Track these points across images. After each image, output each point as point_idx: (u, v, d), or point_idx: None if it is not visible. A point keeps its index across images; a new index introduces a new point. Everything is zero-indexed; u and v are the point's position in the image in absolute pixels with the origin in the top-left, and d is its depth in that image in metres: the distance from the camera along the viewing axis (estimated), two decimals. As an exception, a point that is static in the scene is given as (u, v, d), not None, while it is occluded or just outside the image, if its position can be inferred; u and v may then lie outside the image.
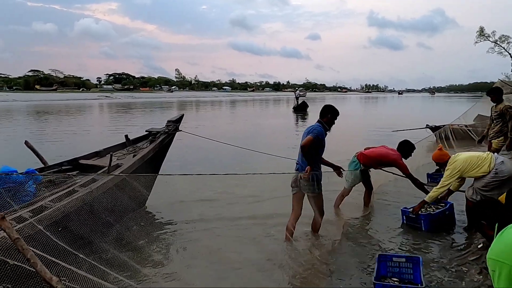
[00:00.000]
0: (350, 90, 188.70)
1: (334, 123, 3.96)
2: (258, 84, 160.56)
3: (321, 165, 4.01)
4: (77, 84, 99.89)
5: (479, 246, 3.60)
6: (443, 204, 4.39)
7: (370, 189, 5.11)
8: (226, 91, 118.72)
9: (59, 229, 2.96)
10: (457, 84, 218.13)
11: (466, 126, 10.81)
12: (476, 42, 26.33)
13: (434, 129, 10.57)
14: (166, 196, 5.37)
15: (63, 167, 4.52)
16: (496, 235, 1.64)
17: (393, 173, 6.01)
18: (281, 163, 6.47)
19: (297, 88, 57.14)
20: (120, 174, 3.80)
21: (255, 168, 7.59)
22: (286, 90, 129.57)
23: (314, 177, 3.74)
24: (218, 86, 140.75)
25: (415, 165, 7.23)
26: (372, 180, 5.28)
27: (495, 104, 5.98)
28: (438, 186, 4.05)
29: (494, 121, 6.02)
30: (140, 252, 3.63)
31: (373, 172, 5.28)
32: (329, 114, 3.91)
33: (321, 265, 3.49)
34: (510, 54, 24.44)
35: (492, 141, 6.06)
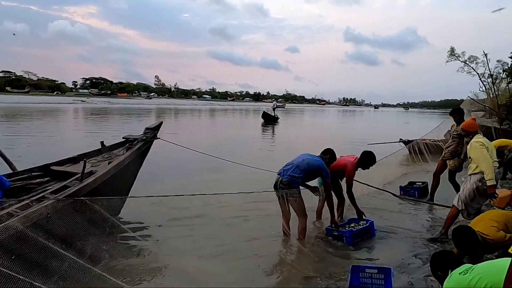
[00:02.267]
0: (329, 102, 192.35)
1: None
2: (239, 93, 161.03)
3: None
4: (51, 87, 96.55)
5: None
6: (365, 222, 4.56)
7: (342, 201, 5.15)
8: (206, 100, 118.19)
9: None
10: (430, 101, 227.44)
11: (437, 140, 11.26)
12: (447, 61, 27.49)
13: (407, 142, 10.95)
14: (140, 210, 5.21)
15: (33, 174, 4.35)
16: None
17: (369, 185, 6.18)
18: (255, 174, 6.55)
19: (274, 99, 57.70)
20: (82, 198, 3.50)
21: (229, 177, 7.63)
22: (266, 100, 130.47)
23: (293, 185, 4.14)
24: (198, 94, 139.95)
25: (389, 177, 7.47)
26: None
27: (456, 123, 6.00)
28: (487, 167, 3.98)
29: (451, 139, 6.08)
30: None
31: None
32: (329, 155, 4.58)
33: (296, 273, 3.53)
34: (478, 74, 25.74)
35: (448, 162, 6.09)
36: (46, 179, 4.25)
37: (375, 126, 31.92)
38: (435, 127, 11.71)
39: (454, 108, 6.26)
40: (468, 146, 4.33)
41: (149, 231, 4.60)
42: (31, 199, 3.32)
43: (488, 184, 3.94)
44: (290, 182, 4.13)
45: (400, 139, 11.44)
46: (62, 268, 2.97)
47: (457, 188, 5.99)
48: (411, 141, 10.96)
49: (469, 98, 13.00)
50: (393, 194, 6.33)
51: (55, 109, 36.48)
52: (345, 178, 4.90)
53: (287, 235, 4.33)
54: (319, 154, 4.55)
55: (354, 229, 4.38)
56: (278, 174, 4.29)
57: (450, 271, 2.05)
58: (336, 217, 4.62)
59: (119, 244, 3.84)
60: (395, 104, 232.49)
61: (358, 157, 4.87)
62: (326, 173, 4.30)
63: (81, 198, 3.34)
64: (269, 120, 28.23)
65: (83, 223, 3.30)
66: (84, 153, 4.92)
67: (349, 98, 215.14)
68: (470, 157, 4.24)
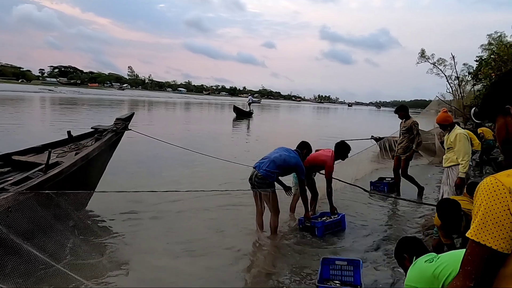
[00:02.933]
0: (304, 99, 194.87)
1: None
2: (214, 87, 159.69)
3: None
4: (16, 74, 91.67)
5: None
6: (336, 215, 4.69)
7: (315, 195, 5.22)
8: (181, 93, 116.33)
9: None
10: (400, 100, 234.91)
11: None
12: (417, 63, 28.56)
13: (378, 140, 11.27)
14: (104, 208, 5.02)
15: (-7, 163, 4.09)
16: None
17: (340, 180, 6.30)
18: (229, 166, 6.51)
19: (250, 94, 57.64)
20: (48, 191, 3.37)
21: (203, 171, 7.56)
22: (242, 95, 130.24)
23: (268, 180, 4.13)
24: (173, 87, 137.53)
25: (360, 173, 7.65)
26: (319, 186, 5.45)
27: (403, 120, 6.38)
28: (463, 159, 4.23)
29: (401, 136, 6.41)
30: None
31: (319, 179, 5.46)
32: (306, 150, 4.62)
33: (266, 267, 3.54)
34: (445, 76, 26.90)
35: (401, 156, 6.37)
36: (6, 169, 4.01)
37: (349, 123, 32.65)
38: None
39: (398, 106, 6.57)
40: (451, 137, 4.37)
41: (116, 226, 4.42)
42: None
43: (459, 176, 4.23)
44: (265, 176, 4.11)
45: (372, 136, 11.75)
46: (22, 265, 2.82)
47: (412, 181, 6.43)
48: (382, 138, 11.29)
49: (437, 98, 13.53)
50: (364, 190, 6.47)
51: (20, 98, 34.56)
52: (322, 173, 5.02)
53: (259, 230, 4.32)
54: (295, 148, 4.56)
55: (325, 221, 4.46)
56: (253, 168, 4.28)
57: (414, 258, 2.10)
58: (309, 211, 4.66)
59: (84, 240, 3.67)
60: (367, 102, 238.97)
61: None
62: (302, 170, 4.33)
63: (45, 191, 3.16)
64: (242, 115, 28.14)
65: (46, 217, 3.12)
66: (49, 143, 4.67)
67: (324, 96, 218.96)
68: (449, 148, 4.37)
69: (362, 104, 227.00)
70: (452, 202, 2.91)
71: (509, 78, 1.02)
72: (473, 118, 1.24)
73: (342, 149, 4.96)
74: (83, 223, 3.66)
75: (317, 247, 4.09)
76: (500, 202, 0.89)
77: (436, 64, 28.07)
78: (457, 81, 24.22)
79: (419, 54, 28.84)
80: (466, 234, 0.95)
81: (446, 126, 4.54)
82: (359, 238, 4.42)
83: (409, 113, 6.47)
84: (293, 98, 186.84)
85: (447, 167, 4.46)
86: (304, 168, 4.50)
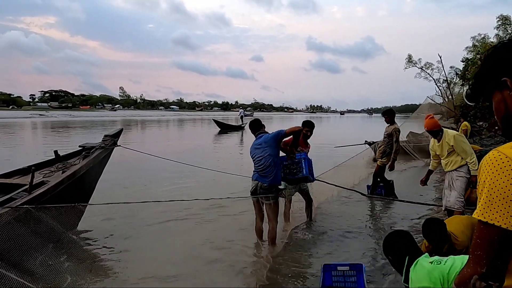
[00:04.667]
0: (296, 110, 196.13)
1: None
2: (207, 103, 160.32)
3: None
4: (6, 101, 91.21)
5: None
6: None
7: (310, 201, 5.08)
8: (174, 110, 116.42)
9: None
10: (391, 106, 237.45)
11: (400, 142, 11.68)
12: (405, 68, 29.05)
13: (371, 144, 11.25)
14: (100, 220, 4.91)
15: (-24, 187, 3.93)
16: (406, 266, 1.90)
17: (337, 186, 6.22)
18: (225, 178, 6.43)
19: (241, 108, 57.83)
20: (26, 206, 3.26)
21: (197, 183, 7.46)
22: (234, 109, 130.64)
23: (277, 185, 4.10)
24: (165, 105, 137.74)
25: (357, 177, 7.57)
26: (315, 192, 5.36)
27: (388, 125, 6.38)
28: (471, 157, 4.02)
29: (383, 140, 6.41)
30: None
31: (316, 185, 5.38)
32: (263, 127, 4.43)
33: (267, 274, 3.41)
34: (433, 79, 27.30)
35: (377, 161, 6.44)
36: (-11, 192, 3.84)
37: (342, 131, 32.75)
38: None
39: (385, 109, 6.57)
40: (450, 141, 4.09)
41: (110, 244, 4.28)
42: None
43: (474, 174, 4.01)
44: (271, 184, 4.02)
45: (365, 141, 11.73)
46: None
47: (385, 183, 6.42)
48: (375, 142, 11.28)
49: (428, 99, 13.63)
50: (361, 194, 6.41)
51: (10, 124, 34.19)
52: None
53: (259, 240, 4.20)
54: (258, 133, 4.30)
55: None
56: (255, 180, 4.10)
57: (407, 257, 1.99)
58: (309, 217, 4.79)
59: (73, 262, 3.51)
60: (359, 110, 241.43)
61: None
62: (279, 132, 4.13)
63: (24, 206, 3.01)
64: (227, 128, 27.98)
65: (30, 238, 2.97)
66: (35, 164, 4.52)
67: (316, 106, 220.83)
68: (450, 152, 4.12)
69: (354, 111, 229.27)
70: (437, 222, 2.89)
71: (502, 49, 0.94)
72: (466, 100, 1.16)
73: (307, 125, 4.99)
74: (71, 244, 3.50)
75: (316, 256, 3.96)
76: (505, 176, 0.80)
77: (424, 68, 28.62)
78: (446, 83, 24.61)
79: (406, 60, 29.43)
80: (473, 215, 0.86)
81: (438, 132, 4.22)
82: (358, 242, 4.31)
83: (395, 118, 6.47)
84: (286, 109, 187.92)
85: (451, 170, 4.18)
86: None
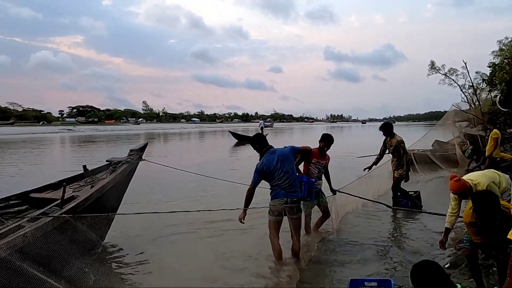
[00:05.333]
0: (317, 120, 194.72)
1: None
2: (227, 115, 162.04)
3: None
4: (37, 117, 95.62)
5: (446, 266, 3.62)
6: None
7: (326, 216, 5.00)
8: (195, 123, 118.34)
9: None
10: (415, 113, 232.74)
11: (425, 150, 11.38)
12: (428, 75, 28.38)
13: (396, 154, 11.00)
14: (124, 234, 5.03)
15: (11, 202, 4.13)
16: None
17: (361, 197, 6.09)
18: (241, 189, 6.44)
19: (261, 119, 57.86)
20: (64, 215, 3.40)
21: (218, 195, 7.50)
22: (254, 121, 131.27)
23: (300, 201, 4.10)
24: (186, 117, 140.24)
25: (382, 188, 7.38)
26: (340, 205, 5.29)
27: (388, 138, 6.39)
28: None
29: (392, 155, 6.42)
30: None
31: (340, 196, 5.31)
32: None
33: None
34: (459, 85, 26.50)
35: (394, 173, 6.40)
36: (24, 207, 4.04)
37: (364, 140, 32.17)
38: (421, 137, 11.82)
39: (382, 124, 6.53)
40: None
41: (135, 255, 4.37)
42: (5, 228, 3.11)
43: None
44: (300, 198, 4.07)
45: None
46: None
47: (404, 194, 6.35)
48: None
49: (453, 107, 13.23)
50: (387, 206, 6.25)
51: (41, 139, 35.77)
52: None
53: (279, 260, 3.97)
54: (267, 148, 4.11)
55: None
56: (282, 198, 3.89)
57: None
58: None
59: (105, 273, 3.61)
60: (381, 118, 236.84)
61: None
62: (295, 147, 4.23)
63: (62, 215, 3.13)
64: (243, 140, 27.67)
65: (63, 252, 3.09)
66: (65, 179, 4.73)
67: (336, 115, 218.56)
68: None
69: (375, 120, 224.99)
70: (490, 193, 2.67)
71: None
72: (499, 107, 1.13)
73: (325, 140, 4.93)
74: (102, 254, 3.60)
75: (341, 269, 3.88)
76: None
77: (448, 75, 27.86)
78: (472, 89, 23.82)
79: (429, 66, 28.76)
80: (508, 236, 0.83)
81: (467, 192, 3.32)
82: (384, 256, 4.19)
83: (393, 130, 6.41)
84: (306, 119, 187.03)
85: None
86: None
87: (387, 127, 6.41)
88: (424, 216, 5.75)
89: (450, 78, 27.08)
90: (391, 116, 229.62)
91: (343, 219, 5.63)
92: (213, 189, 7.96)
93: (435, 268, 1.89)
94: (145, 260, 4.26)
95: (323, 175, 5.07)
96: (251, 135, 26.23)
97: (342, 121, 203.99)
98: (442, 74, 27.48)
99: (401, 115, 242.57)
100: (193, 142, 32.31)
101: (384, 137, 6.49)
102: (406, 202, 6.43)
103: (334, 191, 5.21)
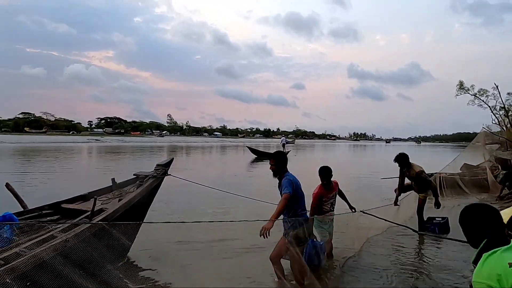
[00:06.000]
0: (339, 137, 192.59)
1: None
2: (249, 130, 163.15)
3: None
4: (68, 127, 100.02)
5: None
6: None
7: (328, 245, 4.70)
8: (217, 137, 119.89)
9: (28, 284, 2.72)
10: (442, 134, 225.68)
11: (454, 174, 10.96)
12: (457, 95, 27.66)
13: (422, 176, 10.67)
14: (149, 245, 5.13)
15: (44, 212, 4.32)
16: (481, 249, 1.59)
17: (386, 220, 5.93)
18: (261, 207, 6.43)
19: (283, 135, 57.77)
20: (100, 222, 3.58)
21: (239, 211, 7.51)
22: (276, 136, 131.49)
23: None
24: (209, 131, 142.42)
25: (408, 214, 7.16)
26: (364, 227, 5.19)
27: (404, 169, 6.15)
28: None
29: (415, 184, 6.20)
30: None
31: (366, 218, 5.21)
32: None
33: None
34: (489, 106, 25.61)
35: (419, 195, 6.23)
36: (56, 217, 4.21)
37: (388, 160, 31.49)
38: (451, 161, 11.41)
39: (396, 156, 6.17)
40: None
41: (161, 270, 4.43)
42: (38, 238, 3.26)
43: None
44: None
45: (415, 173, 11.16)
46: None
47: (421, 219, 6.18)
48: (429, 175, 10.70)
49: (484, 129, 12.77)
50: (413, 230, 6.05)
51: (70, 148, 37.29)
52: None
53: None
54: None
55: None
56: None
57: (486, 239, 1.60)
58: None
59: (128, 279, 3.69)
60: (406, 138, 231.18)
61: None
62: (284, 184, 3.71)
63: (97, 222, 3.25)
64: (262, 156, 27.64)
65: (92, 261, 3.20)
66: (95, 191, 4.90)
67: (359, 133, 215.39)
68: None
69: (400, 140, 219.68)
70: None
71: None
72: None
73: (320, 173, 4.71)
74: (124, 271, 3.68)
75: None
76: None
77: (477, 95, 27.04)
78: (503, 111, 22.95)
79: (458, 86, 28.04)
80: None
81: None
82: (407, 282, 4.04)
83: (409, 160, 6.12)
84: (328, 137, 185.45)
85: None
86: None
87: (401, 159, 6.08)
88: (451, 244, 5.53)
89: (480, 99, 26.28)
90: (417, 136, 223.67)
91: (366, 242, 5.50)
92: (231, 204, 8.01)
93: (494, 214, 1.69)
94: (165, 269, 4.30)
95: (338, 198, 4.94)
96: (269, 152, 26.19)
97: (366, 139, 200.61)
98: (471, 95, 26.74)
99: (427, 135, 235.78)
100: (214, 156, 32.65)
101: (401, 168, 6.22)
102: (433, 228, 6.21)
103: (353, 209, 5.01)
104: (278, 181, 3.83)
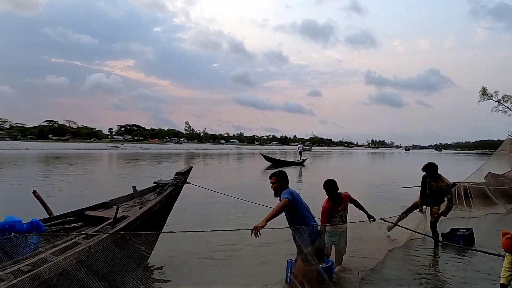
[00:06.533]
0: (357, 145, 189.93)
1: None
2: (266, 137, 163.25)
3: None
4: (89, 134, 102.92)
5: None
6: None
7: (338, 260, 4.67)
8: (234, 144, 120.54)
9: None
10: (464, 141, 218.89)
11: (478, 183, 10.60)
12: (479, 101, 26.97)
13: (446, 186, 10.36)
14: (168, 253, 5.19)
15: (68, 218, 4.45)
16: None
17: (408, 229, 5.78)
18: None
19: (300, 142, 57.44)
20: (121, 232, 3.63)
21: (256, 218, 7.49)
22: (293, 144, 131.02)
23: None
24: (225, 138, 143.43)
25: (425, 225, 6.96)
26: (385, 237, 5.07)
27: (432, 180, 5.95)
28: None
29: (434, 197, 5.99)
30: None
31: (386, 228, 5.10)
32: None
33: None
34: (515, 113, 24.81)
35: (433, 208, 6.04)
36: (79, 224, 4.32)
37: (407, 168, 30.75)
38: (477, 170, 11.04)
39: (425, 165, 6.02)
40: None
41: (176, 274, 4.47)
42: (63, 245, 3.36)
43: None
44: None
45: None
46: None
47: (436, 233, 5.96)
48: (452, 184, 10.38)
49: (509, 137, 12.32)
50: (435, 240, 5.86)
51: (91, 155, 38.33)
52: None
53: None
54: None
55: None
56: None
57: None
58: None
59: None
60: (427, 145, 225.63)
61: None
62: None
63: (119, 233, 3.33)
64: (277, 163, 27.84)
65: (113, 268, 3.27)
66: (116, 198, 5.02)
67: (377, 140, 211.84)
68: None
69: (420, 147, 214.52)
70: None
71: None
72: None
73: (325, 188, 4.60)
74: (144, 279, 3.74)
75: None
76: None
77: (502, 101, 26.26)
78: (530, 118, 22.16)
79: (480, 92, 27.38)
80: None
81: None
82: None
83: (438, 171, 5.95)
84: (345, 144, 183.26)
85: None
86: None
87: (430, 169, 5.90)
88: (476, 255, 5.33)
89: (504, 105, 25.52)
90: (438, 144, 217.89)
91: (387, 254, 5.38)
92: (247, 211, 8.00)
93: None
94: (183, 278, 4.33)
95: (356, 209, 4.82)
96: (284, 160, 25.95)
97: (384, 147, 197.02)
98: (495, 101, 26.01)
99: (449, 143, 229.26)
100: (231, 164, 32.80)
101: (425, 177, 6.04)
102: (457, 240, 6.01)
103: (372, 218, 4.80)
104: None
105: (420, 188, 6.23)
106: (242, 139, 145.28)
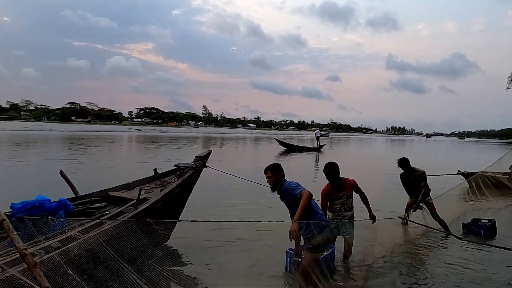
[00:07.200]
0: (376, 131, 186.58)
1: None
2: (283, 122, 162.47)
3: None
4: (110, 116, 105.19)
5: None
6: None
7: (347, 252, 4.55)
8: (251, 128, 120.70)
9: (85, 277, 2.94)
10: (489, 130, 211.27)
11: (500, 173, 10.30)
12: (507, 88, 25.77)
13: (466, 175, 10.11)
14: (188, 238, 5.31)
15: (93, 198, 4.63)
16: None
17: (427, 226, 5.71)
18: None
19: (317, 128, 56.89)
20: (147, 219, 3.74)
21: (274, 204, 7.52)
22: (310, 129, 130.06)
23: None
24: (243, 123, 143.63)
25: (451, 215, 6.84)
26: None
27: (407, 174, 6.11)
28: None
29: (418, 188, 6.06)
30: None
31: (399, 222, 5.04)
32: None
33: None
34: (545, 101, 23.63)
35: (428, 200, 6.08)
36: (104, 204, 4.49)
37: (428, 156, 30.03)
38: (498, 159, 10.71)
39: (399, 161, 6.10)
40: None
41: (201, 259, 4.60)
42: (89, 224, 3.51)
43: None
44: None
45: (459, 171, 10.60)
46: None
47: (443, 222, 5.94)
48: (472, 174, 10.11)
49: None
50: (456, 237, 5.70)
51: (112, 137, 39.32)
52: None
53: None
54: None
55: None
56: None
57: None
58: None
59: (170, 271, 3.89)
60: (449, 133, 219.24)
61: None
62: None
63: (144, 220, 3.45)
64: (293, 149, 28.07)
65: (136, 248, 3.40)
66: (138, 180, 5.17)
67: (397, 127, 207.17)
68: None
69: (442, 135, 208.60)
70: None
71: None
72: None
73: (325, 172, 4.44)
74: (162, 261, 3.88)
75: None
76: None
77: (532, 89, 25.00)
78: (562, 106, 21.07)
79: (509, 78, 26.02)
80: None
81: None
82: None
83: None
84: (364, 130, 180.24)
85: None
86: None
87: (405, 163, 6.04)
88: (497, 250, 5.20)
89: (535, 92, 24.29)
90: (461, 131, 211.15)
91: (397, 242, 5.33)
92: (261, 196, 8.02)
93: None
94: (203, 261, 4.45)
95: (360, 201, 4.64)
96: (299, 145, 25.57)
97: (404, 134, 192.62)
98: (525, 88, 24.79)
99: (472, 131, 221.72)
100: (248, 148, 32.95)
101: (404, 176, 6.13)
102: (478, 230, 5.90)
103: (373, 218, 4.59)
104: (279, 194, 3.71)
105: (441, 175, 6.15)
106: (259, 124, 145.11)
